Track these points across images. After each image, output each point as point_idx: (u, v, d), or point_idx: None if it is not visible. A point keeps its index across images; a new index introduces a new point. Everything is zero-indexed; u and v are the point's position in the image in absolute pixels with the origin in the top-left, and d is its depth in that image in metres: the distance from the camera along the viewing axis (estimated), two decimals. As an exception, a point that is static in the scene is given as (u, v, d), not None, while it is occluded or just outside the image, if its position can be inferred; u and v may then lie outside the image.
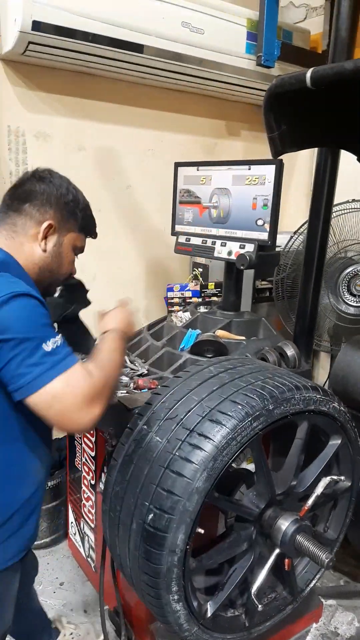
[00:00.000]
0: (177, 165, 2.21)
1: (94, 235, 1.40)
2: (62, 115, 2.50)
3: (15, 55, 2.23)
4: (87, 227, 1.35)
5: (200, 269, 2.79)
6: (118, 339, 1.26)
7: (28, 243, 1.22)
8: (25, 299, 1.05)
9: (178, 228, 2.25)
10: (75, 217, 1.29)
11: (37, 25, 2.05)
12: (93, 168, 2.63)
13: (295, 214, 2.95)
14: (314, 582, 1.64)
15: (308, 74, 1.49)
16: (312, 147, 1.84)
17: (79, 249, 1.36)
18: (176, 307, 2.52)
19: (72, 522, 2.25)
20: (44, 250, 1.23)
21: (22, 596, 1.43)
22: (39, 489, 1.24)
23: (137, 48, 2.32)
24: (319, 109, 1.63)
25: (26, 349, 1.00)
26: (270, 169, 1.86)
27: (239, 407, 1.23)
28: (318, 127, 1.70)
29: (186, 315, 2.24)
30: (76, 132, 2.54)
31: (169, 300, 2.60)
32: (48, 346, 1.02)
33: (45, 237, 1.23)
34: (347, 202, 2.38)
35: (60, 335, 1.07)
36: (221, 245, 2.04)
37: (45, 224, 1.22)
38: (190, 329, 2.10)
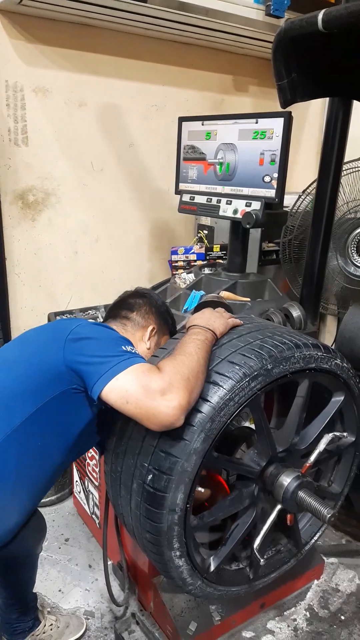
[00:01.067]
0: (181, 120, 2.13)
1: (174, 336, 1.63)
2: (62, 69, 2.40)
3: (11, 4, 2.13)
4: (173, 330, 1.63)
5: (206, 231, 2.73)
6: (198, 332, 1.28)
7: (135, 341, 1.45)
8: (114, 331, 1.32)
9: (182, 186, 2.19)
10: (167, 323, 1.59)
11: (34, -30, 1.95)
12: (95, 125, 2.55)
13: (304, 173, 2.86)
14: (318, 534, 1.65)
15: (320, 16, 1.40)
16: (323, 97, 1.76)
17: None
18: (180, 270, 2.48)
19: (76, 481, 2.28)
20: (148, 349, 1.49)
21: (25, 572, 1.59)
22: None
23: (141, -4, 2.20)
24: (331, 55, 1.55)
25: (106, 345, 1.20)
26: (279, 122, 1.79)
27: (237, 367, 1.21)
28: (330, 76, 1.62)
29: (190, 277, 2.20)
30: (77, 86, 2.45)
31: (173, 264, 2.56)
32: (126, 347, 1.19)
33: (149, 338, 1.50)
34: (359, 159, 2.29)
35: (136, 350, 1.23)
36: (227, 203, 1.99)
37: (150, 327, 1.51)
38: (194, 290, 2.06)
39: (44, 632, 1.75)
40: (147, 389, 1.08)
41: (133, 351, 1.20)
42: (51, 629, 1.78)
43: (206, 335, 1.27)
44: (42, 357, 1.25)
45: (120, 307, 1.55)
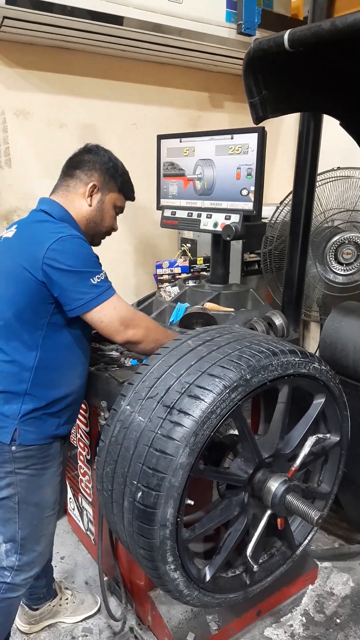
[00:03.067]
0: (160, 137, 2.18)
1: (131, 198, 1.73)
2: (42, 92, 2.46)
3: (-10, 31, 2.19)
4: (125, 189, 1.67)
5: (189, 245, 2.78)
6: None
7: (78, 200, 1.57)
8: (80, 240, 1.42)
9: (163, 202, 2.23)
10: (115, 180, 1.62)
11: (12, -1, 2.00)
12: (76, 145, 2.52)
13: (281, 185, 2.92)
14: (311, 535, 1.67)
15: (286, 36, 1.46)
16: (294, 112, 1.81)
17: (119, 208, 1.69)
18: (165, 284, 2.52)
19: (70, 498, 2.28)
20: (90, 205, 1.58)
21: None
22: (74, 392, 1.55)
23: (117, 20, 2.27)
24: (300, 72, 1.61)
25: (79, 279, 1.37)
26: (253, 137, 1.85)
27: (217, 380, 1.23)
28: (300, 92, 1.67)
29: (175, 290, 2.24)
30: (57, 108, 2.50)
31: (158, 277, 2.60)
32: (94, 280, 1.39)
33: (90, 195, 1.57)
34: (333, 170, 2.36)
35: (104, 272, 1.43)
36: (207, 217, 2.03)
37: (90, 184, 1.57)
38: (178, 303, 2.10)
39: (60, 605, 1.92)
40: (117, 317, 1.42)
41: (102, 278, 1.41)
42: (67, 603, 1.94)
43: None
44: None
45: (69, 165, 1.61)
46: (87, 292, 1.38)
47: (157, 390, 1.29)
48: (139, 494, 1.23)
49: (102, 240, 2.89)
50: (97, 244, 1.69)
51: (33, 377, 1.44)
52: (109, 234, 1.71)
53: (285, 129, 3.05)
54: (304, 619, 1.90)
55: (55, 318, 1.43)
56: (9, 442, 1.44)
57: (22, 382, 1.43)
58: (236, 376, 1.24)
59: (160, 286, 2.53)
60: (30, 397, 1.45)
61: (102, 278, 1.41)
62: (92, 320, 1.42)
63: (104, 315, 1.41)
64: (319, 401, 1.49)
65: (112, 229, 1.70)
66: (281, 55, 1.53)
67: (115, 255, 2.86)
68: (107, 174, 1.59)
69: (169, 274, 2.58)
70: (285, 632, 1.85)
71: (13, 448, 1.44)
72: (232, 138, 1.92)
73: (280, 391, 1.41)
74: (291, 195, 2.09)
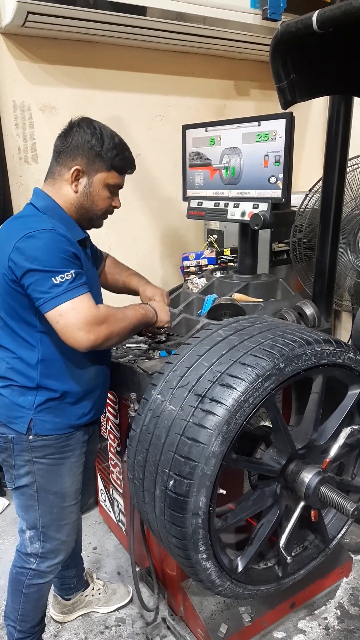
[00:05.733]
0: (185, 127, 2.16)
1: (128, 171, 1.55)
2: (67, 86, 2.47)
3: (15, 27, 2.20)
4: (117, 164, 1.48)
5: (215, 236, 2.76)
6: (145, 310, 1.59)
7: (64, 187, 1.46)
8: (49, 233, 1.32)
9: (189, 193, 2.21)
10: (102, 158, 1.45)
11: (35, -7, 2.00)
12: None
13: (310, 172, 2.87)
14: (345, 528, 1.64)
15: (314, 17, 1.42)
16: (323, 96, 1.77)
17: (113, 186, 1.51)
18: (192, 276, 2.50)
19: (101, 489, 2.31)
20: (76, 192, 1.45)
21: None
22: (89, 380, 1.52)
23: (140, 10, 2.26)
24: (329, 54, 1.56)
25: (40, 278, 1.30)
26: (281, 124, 1.80)
27: (249, 369, 1.22)
28: (329, 74, 1.63)
29: (202, 281, 2.22)
30: (82, 102, 2.51)
31: (185, 270, 2.59)
32: (56, 280, 1.30)
33: (76, 180, 1.44)
34: (363, 155, 2.30)
35: (72, 270, 1.32)
36: (234, 206, 2.00)
37: (72, 169, 1.43)
38: (208, 295, 2.08)
39: (92, 595, 1.94)
40: (76, 320, 1.31)
41: (67, 279, 1.30)
42: (99, 593, 1.96)
43: (148, 315, 1.59)
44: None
45: (55, 148, 1.47)
46: (47, 292, 1.29)
47: (189, 379, 1.28)
48: (171, 482, 1.22)
49: (129, 233, 2.90)
50: (98, 226, 1.58)
51: (40, 371, 1.43)
52: (110, 213, 1.57)
53: (313, 115, 2.98)
54: (338, 611, 1.88)
55: None
56: (25, 431, 1.45)
57: (32, 377, 1.43)
58: (269, 365, 1.22)
59: (187, 278, 2.52)
60: (43, 390, 1.45)
61: (67, 278, 1.30)
62: (50, 322, 1.33)
63: (60, 317, 1.30)
64: (354, 392, 1.46)
65: (112, 207, 1.55)
66: (310, 37, 1.49)
67: (142, 248, 2.86)
68: (90, 153, 1.42)
69: (195, 266, 2.56)
70: (319, 625, 1.83)
71: (30, 437, 1.46)
72: (259, 125, 1.88)
73: (314, 381, 1.39)
74: (321, 182, 2.04)
